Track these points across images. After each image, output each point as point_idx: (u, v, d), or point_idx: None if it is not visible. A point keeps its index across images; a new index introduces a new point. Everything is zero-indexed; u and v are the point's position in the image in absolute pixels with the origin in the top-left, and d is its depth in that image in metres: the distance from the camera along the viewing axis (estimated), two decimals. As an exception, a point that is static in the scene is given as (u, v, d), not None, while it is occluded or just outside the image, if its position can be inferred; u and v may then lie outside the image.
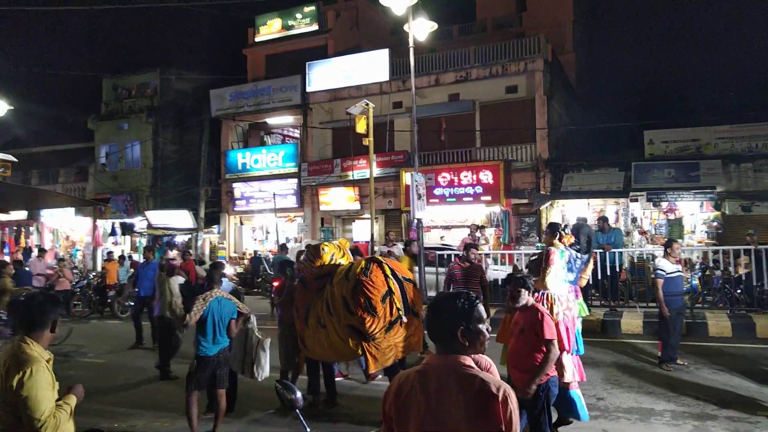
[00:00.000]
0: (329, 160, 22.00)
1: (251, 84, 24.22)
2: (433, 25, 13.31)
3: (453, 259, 10.42)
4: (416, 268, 9.43)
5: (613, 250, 11.08)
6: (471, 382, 2.02)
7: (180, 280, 8.95)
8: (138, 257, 25.55)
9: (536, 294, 5.51)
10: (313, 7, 24.44)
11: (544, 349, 4.43)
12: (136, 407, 6.81)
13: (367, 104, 14.00)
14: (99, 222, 26.46)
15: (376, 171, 18.03)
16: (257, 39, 25.63)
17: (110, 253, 18.09)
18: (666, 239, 11.47)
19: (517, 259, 13.62)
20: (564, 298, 5.62)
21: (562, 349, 5.07)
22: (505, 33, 26.93)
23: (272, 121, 24.69)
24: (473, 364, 2.10)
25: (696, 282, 11.84)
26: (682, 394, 6.45)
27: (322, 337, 5.82)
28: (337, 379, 7.09)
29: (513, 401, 1.99)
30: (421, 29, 13.24)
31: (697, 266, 12.90)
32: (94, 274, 18.16)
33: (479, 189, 18.35)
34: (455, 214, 19.94)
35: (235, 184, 23.78)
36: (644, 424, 5.65)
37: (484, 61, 20.02)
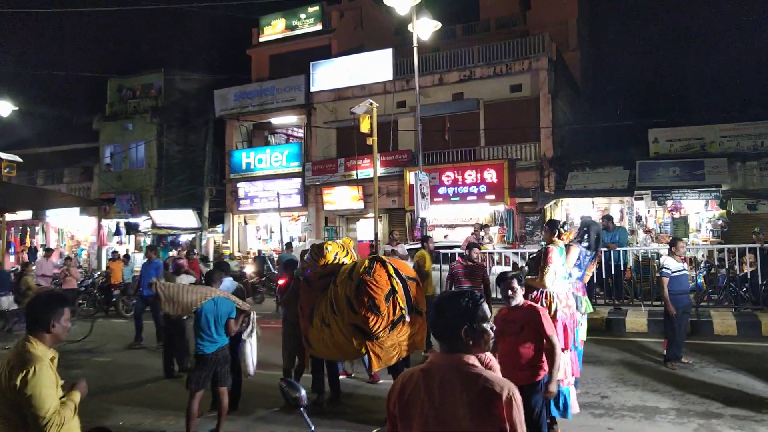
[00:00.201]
0: (333, 160, 22.02)
1: (255, 84, 24.26)
2: (437, 25, 13.32)
3: (456, 258, 10.40)
4: (435, 265, 9.39)
5: (618, 248, 11.05)
6: (475, 381, 2.02)
7: (191, 279, 8.98)
8: (143, 257, 25.70)
9: (535, 292, 5.51)
10: (317, 7, 24.46)
11: (545, 345, 4.46)
12: (141, 405, 6.84)
13: (371, 104, 13.99)
14: (104, 222, 26.55)
15: (380, 170, 18.04)
16: (261, 39, 25.66)
17: (115, 252, 18.16)
18: (671, 238, 11.44)
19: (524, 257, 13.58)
20: (563, 296, 5.61)
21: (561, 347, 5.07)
22: (509, 32, 26.87)
23: (276, 120, 24.72)
24: (477, 363, 2.10)
25: (701, 280, 11.81)
26: (688, 393, 6.44)
27: (326, 336, 5.83)
28: (341, 377, 7.11)
29: (518, 401, 1.99)
30: (424, 29, 13.25)
31: (702, 265, 12.86)
32: (98, 273, 18.23)
33: (483, 188, 18.33)
34: (459, 213, 19.93)
35: (239, 184, 23.82)
36: (649, 423, 5.64)
37: (488, 60, 19.99)
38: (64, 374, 3.03)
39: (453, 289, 7.94)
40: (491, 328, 2.19)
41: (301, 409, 2.93)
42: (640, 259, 12.95)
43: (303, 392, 2.95)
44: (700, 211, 16.92)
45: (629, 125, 19.99)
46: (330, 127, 22.69)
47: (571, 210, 18.60)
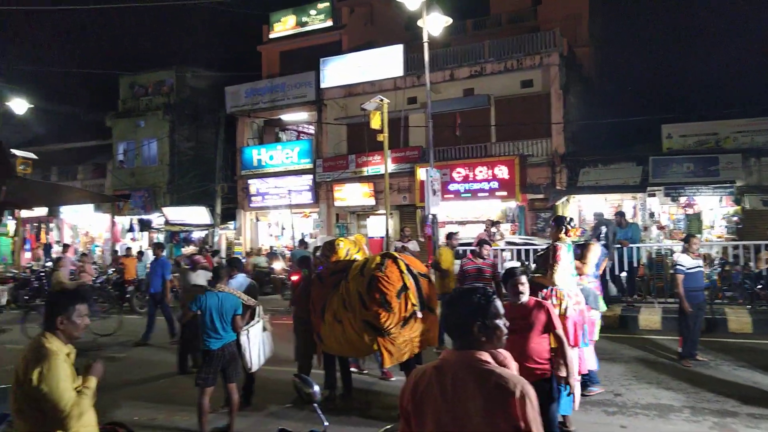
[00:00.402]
0: (344, 156, 22.03)
1: (266, 81, 24.32)
2: (448, 20, 13.26)
3: (467, 254, 10.38)
4: (457, 261, 9.39)
5: (631, 245, 10.97)
6: (488, 378, 2.01)
7: (208, 274, 8.99)
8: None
9: (545, 290, 5.49)
10: (327, 3, 24.44)
11: (555, 341, 4.46)
12: (155, 401, 6.90)
13: (381, 100, 13.99)
14: (117, 218, 26.79)
15: (391, 167, 18.03)
16: (272, 36, 25.70)
17: (128, 249, 18.30)
18: (684, 234, 11.34)
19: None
20: (573, 293, 5.59)
21: (570, 344, 5.05)
22: (519, 27, 26.67)
23: (287, 117, 24.77)
24: (491, 360, 2.10)
25: (715, 277, 11.69)
26: (703, 390, 6.39)
27: (338, 332, 5.84)
28: (352, 370, 7.12)
29: (531, 397, 1.98)
30: (435, 24, 13.19)
31: (716, 261, 12.74)
32: (113, 269, 18.38)
33: (494, 184, 18.27)
34: (470, 210, 19.87)
35: (250, 181, 23.92)
36: (663, 421, 5.60)
37: (498, 55, 19.89)
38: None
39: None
40: (504, 325, 2.18)
41: (315, 404, 2.93)
42: (654, 256, 12.85)
43: (316, 388, 2.96)
44: (714, 208, 16.74)
45: (642, 121, 19.79)
46: (341, 124, 22.71)
47: (584, 206, 18.49)
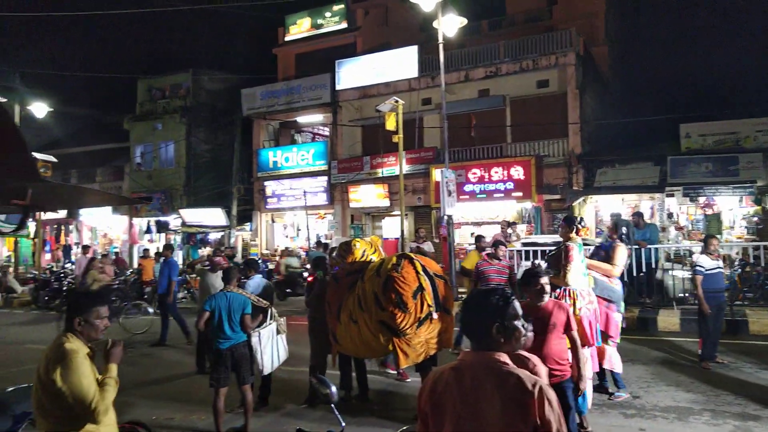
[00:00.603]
0: (359, 158, 22.08)
1: (282, 83, 24.46)
2: (463, 21, 13.24)
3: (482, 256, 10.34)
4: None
5: (649, 246, 10.86)
6: (506, 379, 2.01)
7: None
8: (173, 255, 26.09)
9: (558, 290, 5.47)
10: (342, 6, 24.53)
11: (570, 342, 4.45)
12: (173, 400, 6.97)
13: (396, 101, 14.00)
14: (135, 220, 27.10)
15: (406, 168, 18.01)
16: (287, 38, 25.84)
17: (146, 250, 18.50)
18: (703, 235, 11.20)
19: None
20: (585, 293, 5.57)
21: (585, 344, 5.03)
22: (535, 27, 26.52)
23: (302, 119, 24.88)
24: (509, 361, 2.09)
25: (735, 278, 11.53)
26: (723, 393, 6.30)
27: (353, 333, 5.85)
28: (387, 369, 7.08)
29: (550, 398, 1.97)
30: (450, 25, 13.18)
31: (736, 262, 12.55)
32: (130, 271, 18.59)
33: (510, 185, 18.17)
34: (486, 211, 19.79)
35: (266, 182, 24.05)
36: (682, 424, 5.53)
37: (514, 55, 19.80)
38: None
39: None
40: (523, 326, 2.17)
41: (332, 405, 2.94)
42: (672, 257, 12.70)
43: (334, 388, 2.97)
44: (734, 208, 16.52)
45: (660, 120, 19.59)
46: (355, 125, 22.76)
47: (600, 207, 18.33)
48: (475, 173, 18.73)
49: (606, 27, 27.00)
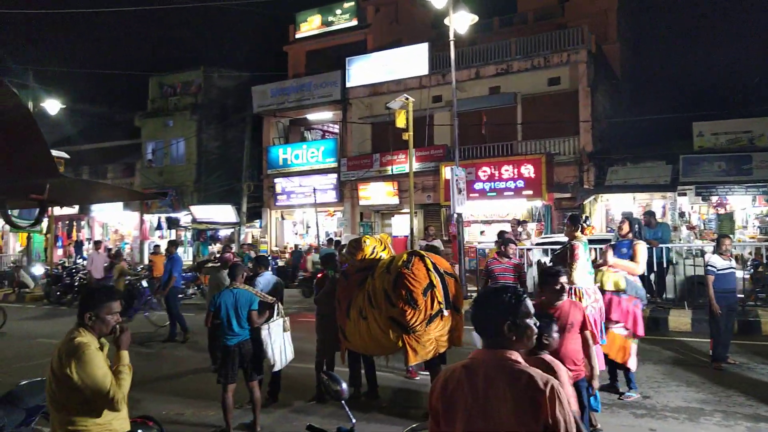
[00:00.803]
0: (368, 155, 22.08)
1: (292, 80, 24.50)
2: (474, 18, 13.18)
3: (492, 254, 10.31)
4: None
5: (661, 245, 10.79)
6: (518, 377, 2.00)
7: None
8: (184, 251, 26.23)
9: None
10: (352, 3, 24.52)
11: (583, 341, 4.44)
12: (182, 396, 7.01)
13: (407, 99, 13.98)
14: (146, 216, 27.29)
15: (416, 165, 17.99)
16: (298, 36, 25.87)
17: (157, 246, 18.61)
18: (716, 235, 11.10)
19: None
20: (591, 291, 5.57)
21: (594, 342, 5.02)
22: (547, 24, 26.43)
23: (312, 116, 24.92)
24: (521, 359, 2.08)
25: (747, 277, 11.41)
26: (735, 394, 6.25)
27: (363, 329, 5.85)
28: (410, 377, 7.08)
29: (562, 396, 1.96)
30: (461, 22, 13.12)
31: (749, 262, 12.43)
32: (141, 267, 18.72)
33: (520, 183, 18.10)
34: (496, 209, 19.73)
35: (276, 180, 24.12)
36: (693, 424, 5.49)
37: (525, 53, 19.71)
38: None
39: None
40: (535, 324, 2.17)
41: (342, 402, 2.94)
42: (684, 256, 12.60)
43: (344, 385, 2.97)
44: (747, 207, 16.37)
45: (672, 118, 19.44)
46: (365, 123, 22.75)
47: (612, 206, 18.23)
48: (485, 171, 18.67)
49: (618, 24, 26.83)
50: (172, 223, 25.87)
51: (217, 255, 14.04)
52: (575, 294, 5.47)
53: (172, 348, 10.08)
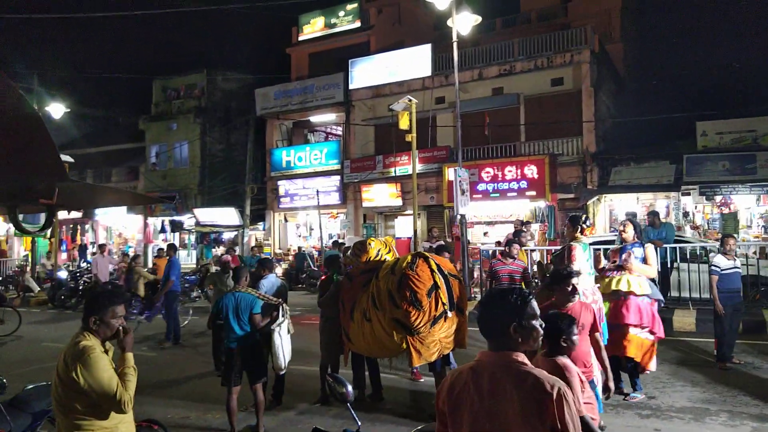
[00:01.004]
0: (371, 157, 22.08)
1: (295, 82, 24.52)
2: (477, 19, 13.18)
3: (496, 255, 10.30)
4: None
5: (665, 245, 10.76)
6: (525, 379, 2.00)
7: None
8: (187, 254, 26.30)
9: None
10: (355, 5, 24.53)
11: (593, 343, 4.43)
12: (187, 399, 7.02)
13: (409, 100, 13.98)
14: (149, 220, 27.35)
15: (419, 167, 17.99)
16: (301, 38, 25.89)
17: (161, 249, 18.65)
18: (720, 234, 11.06)
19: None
20: (590, 292, 5.55)
21: None
22: (550, 24, 26.40)
23: (315, 118, 24.93)
24: (527, 361, 2.08)
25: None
26: (740, 394, 6.23)
27: (367, 331, 5.85)
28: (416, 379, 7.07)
29: (569, 399, 1.96)
30: (464, 23, 13.13)
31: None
32: (146, 269, 18.74)
33: (524, 184, 18.08)
34: (499, 210, 19.70)
35: (279, 182, 24.15)
36: (699, 425, 5.47)
37: (528, 53, 19.68)
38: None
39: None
40: (540, 326, 2.17)
41: (348, 404, 2.95)
42: (688, 256, 12.57)
43: (350, 387, 2.97)
44: (751, 207, 16.32)
45: (676, 118, 19.36)
46: (368, 125, 22.76)
47: (615, 206, 18.19)
48: (488, 172, 18.66)
49: (621, 24, 26.78)
50: (176, 226, 25.94)
51: (220, 257, 14.08)
52: None
53: (174, 352, 10.10)
